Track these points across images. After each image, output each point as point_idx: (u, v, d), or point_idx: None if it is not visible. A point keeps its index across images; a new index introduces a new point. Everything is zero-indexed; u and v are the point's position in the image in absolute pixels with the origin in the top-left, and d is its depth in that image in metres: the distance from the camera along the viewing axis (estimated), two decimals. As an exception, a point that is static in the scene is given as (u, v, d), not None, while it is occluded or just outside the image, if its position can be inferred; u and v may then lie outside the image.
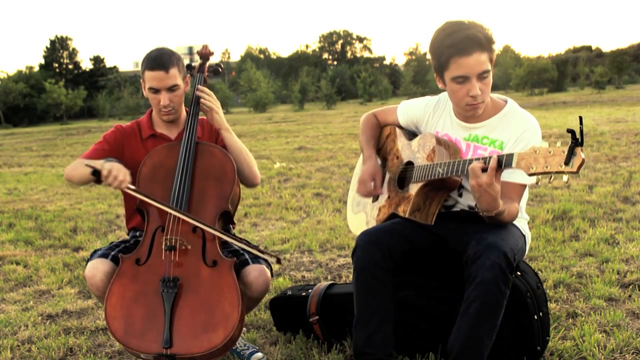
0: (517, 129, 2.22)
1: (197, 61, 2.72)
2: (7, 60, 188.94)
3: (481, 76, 2.13)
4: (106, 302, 2.20)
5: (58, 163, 12.04)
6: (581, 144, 1.75)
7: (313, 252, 4.26)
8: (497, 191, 1.96)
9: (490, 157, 1.95)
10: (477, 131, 2.30)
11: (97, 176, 2.25)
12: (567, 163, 1.75)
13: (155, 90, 2.44)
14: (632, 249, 3.80)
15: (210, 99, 2.50)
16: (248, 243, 2.40)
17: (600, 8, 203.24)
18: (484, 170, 1.94)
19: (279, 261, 2.35)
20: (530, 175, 1.83)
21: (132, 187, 2.28)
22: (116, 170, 2.24)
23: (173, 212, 2.29)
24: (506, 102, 2.31)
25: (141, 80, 2.53)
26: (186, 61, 2.61)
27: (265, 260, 2.47)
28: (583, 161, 1.74)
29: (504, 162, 1.92)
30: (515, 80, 43.91)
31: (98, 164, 2.27)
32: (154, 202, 2.29)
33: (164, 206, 2.28)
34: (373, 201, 2.56)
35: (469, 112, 2.25)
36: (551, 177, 1.81)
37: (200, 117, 2.57)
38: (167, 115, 2.50)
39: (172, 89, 2.44)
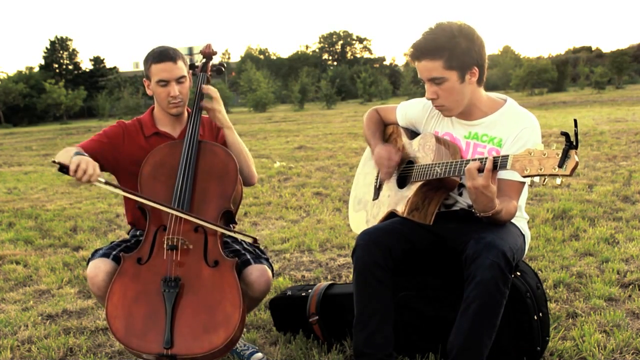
0: (516, 127, 2.23)
1: (199, 61, 2.73)
2: (7, 60, 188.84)
3: (434, 81, 2.19)
4: (107, 301, 2.20)
5: (58, 163, 12.01)
6: (575, 147, 1.76)
7: (313, 251, 4.26)
8: (493, 192, 1.98)
9: (486, 159, 1.96)
10: (476, 129, 2.31)
11: (64, 172, 2.15)
12: (560, 166, 1.77)
13: (165, 83, 2.45)
14: (632, 248, 3.80)
15: (215, 96, 2.52)
16: (232, 230, 2.42)
17: (600, 8, 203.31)
18: (480, 171, 1.96)
19: (255, 241, 2.41)
20: (524, 177, 1.86)
21: (102, 180, 2.22)
22: (84, 164, 2.17)
23: (155, 205, 2.30)
24: (505, 100, 2.33)
25: (144, 79, 2.54)
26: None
27: (267, 260, 2.48)
28: (576, 164, 1.76)
29: (499, 164, 1.94)
30: (515, 81, 43.88)
31: (67, 158, 2.20)
32: (130, 195, 2.30)
33: (141, 198, 2.29)
34: (374, 199, 2.56)
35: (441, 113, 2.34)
36: (544, 179, 1.82)
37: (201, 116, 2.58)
38: (176, 108, 2.51)
39: (180, 80, 2.47)
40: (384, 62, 79.13)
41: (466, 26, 2.18)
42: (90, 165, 2.18)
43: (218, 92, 2.55)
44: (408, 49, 2.24)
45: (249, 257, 2.43)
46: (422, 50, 2.16)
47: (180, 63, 2.47)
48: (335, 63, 79.88)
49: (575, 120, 1.82)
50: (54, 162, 2.18)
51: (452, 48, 2.13)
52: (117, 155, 2.51)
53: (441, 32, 2.15)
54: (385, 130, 2.65)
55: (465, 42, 2.14)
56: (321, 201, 6.13)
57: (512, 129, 2.23)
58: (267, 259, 2.49)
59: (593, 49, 69.67)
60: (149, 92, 2.54)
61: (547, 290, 3.12)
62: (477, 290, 2.01)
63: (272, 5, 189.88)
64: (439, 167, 2.17)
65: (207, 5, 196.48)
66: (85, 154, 2.28)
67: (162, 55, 2.45)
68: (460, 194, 2.33)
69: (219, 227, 2.34)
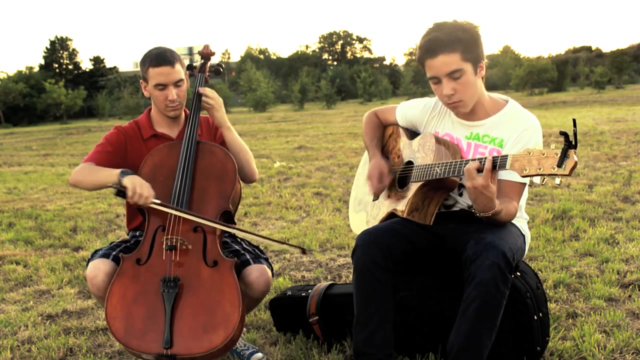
0: (517, 127, 2.23)
1: (197, 61, 2.73)
2: (7, 60, 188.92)
3: (452, 76, 2.16)
4: (107, 302, 2.20)
5: (58, 162, 12.03)
6: (574, 147, 1.76)
7: (313, 251, 4.26)
8: (493, 192, 1.97)
9: (485, 159, 1.96)
10: (478, 129, 2.31)
11: (122, 196, 2.26)
12: (559, 165, 1.77)
13: (163, 86, 2.45)
14: (632, 248, 3.80)
15: (212, 96, 2.52)
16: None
17: (600, 8, 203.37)
18: (479, 171, 1.96)
19: (304, 251, 2.44)
20: (524, 177, 1.86)
21: (158, 201, 2.29)
22: (140, 188, 2.25)
23: (203, 222, 2.30)
24: (507, 101, 2.33)
25: (141, 81, 2.53)
26: (186, 62, 2.62)
27: (267, 260, 2.47)
28: (575, 164, 1.76)
29: (498, 164, 1.93)
30: (515, 81, 43.92)
31: (115, 177, 2.29)
32: (183, 214, 2.29)
33: (193, 217, 2.29)
34: (374, 200, 2.56)
35: (454, 111, 2.31)
36: (544, 178, 1.82)
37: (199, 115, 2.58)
38: (174, 111, 2.51)
39: (177, 83, 2.46)
40: (384, 62, 79.22)
41: (470, 23, 2.19)
42: (145, 189, 2.27)
43: (215, 93, 2.55)
44: (418, 49, 2.21)
45: (248, 257, 2.42)
46: (439, 44, 2.13)
47: (177, 66, 2.45)
48: (335, 63, 79.94)
49: (574, 120, 1.82)
50: (109, 186, 2.29)
51: (466, 40, 2.14)
52: (121, 161, 2.52)
53: (452, 26, 2.15)
54: (385, 131, 2.65)
55: (474, 37, 2.16)
56: (321, 201, 6.13)
57: (513, 130, 2.23)
58: (266, 259, 2.49)
59: (593, 49, 69.76)
60: (146, 94, 2.53)
61: (547, 291, 3.12)
62: (477, 291, 2.00)
63: (272, 5, 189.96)
64: (438, 167, 2.17)
65: (207, 5, 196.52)
66: (133, 172, 2.33)
67: (160, 58, 2.43)
68: (460, 195, 2.33)
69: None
